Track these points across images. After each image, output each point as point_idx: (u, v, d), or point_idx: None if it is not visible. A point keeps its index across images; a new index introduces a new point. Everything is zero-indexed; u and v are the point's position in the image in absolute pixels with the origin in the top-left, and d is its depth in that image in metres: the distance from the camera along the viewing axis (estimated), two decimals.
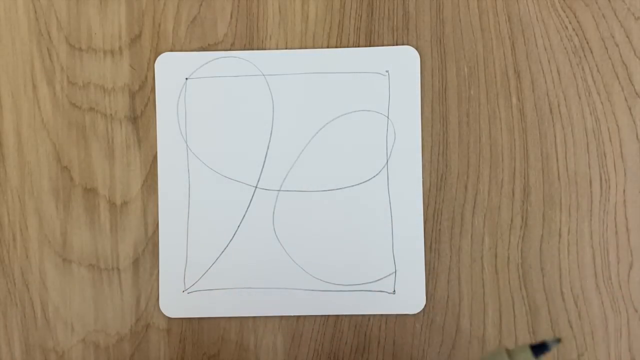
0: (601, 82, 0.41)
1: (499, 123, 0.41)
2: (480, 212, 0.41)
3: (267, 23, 0.42)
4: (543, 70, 0.41)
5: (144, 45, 0.42)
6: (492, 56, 0.41)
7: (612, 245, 0.41)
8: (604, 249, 0.41)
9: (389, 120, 0.41)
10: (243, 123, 0.41)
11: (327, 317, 0.41)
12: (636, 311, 0.41)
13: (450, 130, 0.41)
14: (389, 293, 0.41)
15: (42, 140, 0.42)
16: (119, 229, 0.41)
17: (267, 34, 0.42)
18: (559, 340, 0.29)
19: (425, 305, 0.41)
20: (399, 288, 0.41)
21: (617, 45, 0.41)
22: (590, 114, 0.41)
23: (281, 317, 0.41)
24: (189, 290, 0.41)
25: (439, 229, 0.41)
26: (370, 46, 0.41)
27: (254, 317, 0.41)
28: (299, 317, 0.41)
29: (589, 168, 0.41)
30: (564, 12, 0.41)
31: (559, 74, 0.41)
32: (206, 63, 0.41)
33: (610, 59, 0.41)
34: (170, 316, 0.41)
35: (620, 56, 0.41)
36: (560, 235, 0.41)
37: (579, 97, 0.41)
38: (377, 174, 0.41)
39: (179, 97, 0.41)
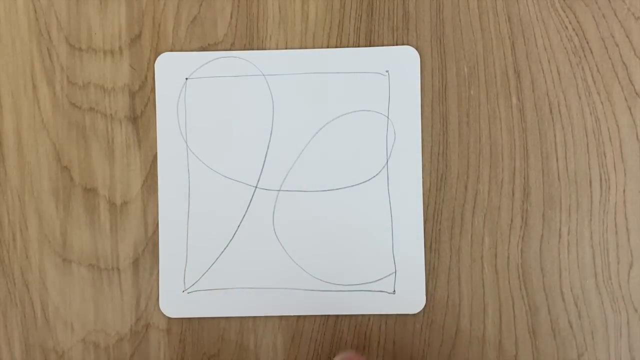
0: (601, 82, 0.41)
1: (499, 123, 0.41)
2: (480, 212, 0.41)
3: (267, 23, 0.42)
4: (543, 70, 0.41)
5: (144, 45, 0.42)
6: (492, 56, 0.41)
7: (612, 245, 0.41)
8: (604, 249, 0.41)
9: (389, 120, 0.41)
10: (243, 123, 0.41)
11: (327, 317, 0.41)
12: (636, 311, 0.41)
13: (450, 130, 0.41)
14: (389, 293, 0.41)
15: (42, 140, 0.42)
16: (119, 229, 0.41)
17: (267, 34, 0.42)
18: None
19: (425, 305, 0.41)
20: (399, 288, 0.41)
21: (617, 45, 0.41)
22: (590, 114, 0.41)
23: (281, 317, 0.41)
24: (189, 290, 0.41)
25: (439, 229, 0.41)
26: (370, 46, 0.41)
27: (254, 317, 0.41)
28: (299, 317, 0.41)
29: (589, 168, 0.41)
30: (564, 12, 0.41)
31: (559, 74, 0.41)
32: (206, 63, 0.41)
33: (610, 59, 0.41)
34: (170, 316, 0.41)
35: (620, 56, 0.41)
36: (560, 235, 0.41)
37: (579, 97, 0.41)
38: (377, 174, 0.41)
39: (179, 97, 0.41)
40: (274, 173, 0.41)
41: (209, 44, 0.42)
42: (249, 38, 0.42)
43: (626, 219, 0.41)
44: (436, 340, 0.41)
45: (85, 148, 0.42)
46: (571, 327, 0.41)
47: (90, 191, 0.42)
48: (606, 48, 0.41)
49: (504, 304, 0.41)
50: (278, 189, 0.41)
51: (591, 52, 0.41)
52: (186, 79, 0.41)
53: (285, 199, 0.41)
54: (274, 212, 0.41)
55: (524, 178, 0.41)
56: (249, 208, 0.41)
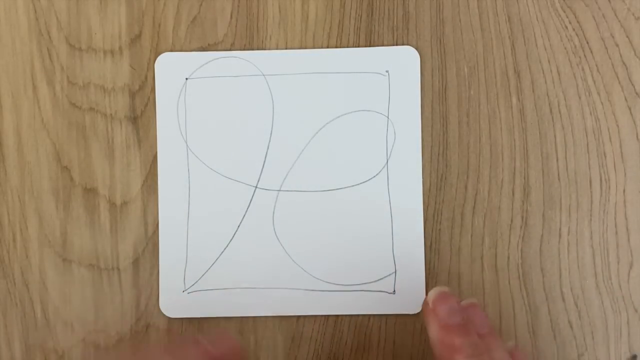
0: (601, 82, 0.41)
1: (499, 123, 0.41)
2: (480, 212, 0.41)
3: (267, 23, 0.42)
4: (543, 70, 0.41)
5: (144, 45, 0.42)
6: (492, 56, 0.41)
7: (612, 245, 0.41)
8: (604, 249, 0.41)
9: (389, 120, 0.41)
10: (243, 123, 0.41)
11: (327, 317, 0.41)
12: (636, 311, 0.41)
13: (450, 130, 0.41)
14: (389, 293, 0.41)
15: (42, 140, 0.42)
16: (119, 229, 0.41)
17: (267, 34, 0.42)
18: (634, 357, 0.32)
19: None
20: (399, 288, 0.41)
21: (617, 45, 0.41)
22: (590, 114, 0.41)
23: (281, 317, 0.41)
24: (189, 290, 0.41)
25: (439, 229, 0.41)
26: (370, 46, 0.41)
27: (254, 317, 0.41)
28: (299, 317, 0.41)
29: (589, 168, 0.41)
30: (564, 12, 0.41)
31: (559, 74, 0.41)
32: (206, 63, 0.41)
33: (610, 59, 0.41)
34: (170, 316, 0.41)
35: (620, 56, 0.41)
36: (560, 235, 0.41)
37: (579, 97, 0.41)
38: (377, 174, 0.41)
39: (179, 97, 0.41)
40: (274, 173, 0.41)
41: (209, 44, 0.42)
42: (249, 38, 0.42)
43: (626, 219, 0.41)
44: None
45: (85, 148, 0.42)
46: (571, 327, 0.41)
47: (90, 191, 0.42)
48: (606, 48, 0.41)
49: (504, 304, 0.41)
50: (278, 189, 0.41)
51: (591, 52, 0.41)
52: (186, 79, 0.41)
53: (285, 199, 0.41)
54: (274, 212, 0.41)
55: (524, 178, 0.41)
56: (249, 208, 0.41)
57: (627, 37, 0.41)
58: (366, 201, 0.41)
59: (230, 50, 0.41)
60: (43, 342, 0.42)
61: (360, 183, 0.41)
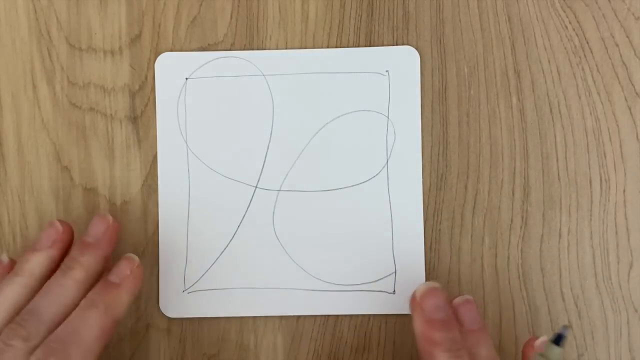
0: (601, 82, 0.41)
1: (499, 123, 0.41)
2: (480, 212, 0.41)
3: (267, 23, 0.42)
4: (543, 70, 0.41)
5: (144, 45, 0.42)
6: (492, 56, 0.41)
7: (612, 245, 0.41)
8: (604, 249, 0.41)
9: (389, 120, 0.41)
10: (243, 123, 0.41)
11: (327, 317, 0.41)
12: (636, 311, 0.41)
13: (450, 130, 0.41)
14: (389, 293, 0.41)
15: (42, 140, 0.42)
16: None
17: (267, 34, 0.42)
18: (565, 326, 0.33)
19: None
20: (399, 288, 0.41)
21: (617, 45, 0.41)
22: (590, 114, 0.41)
23: (281, 317, 0.41)
24: (189, 290, 0.41)
25: (439, 229, 0.41)
26: (370, 46, 0.41)
27: (254, 317, 0.41)
28: (299, 317, 0.41)
29: (589, 168, 0.41)
30: (564, 12, 0.41)
31: (559, 74, 0.41)
32: (206, 63, 0.41)
33: (610, 59, 0.41)
34: (170, 316, 0.41)
35: (620, 56, 0.41)
36: (560, 235, 0.41)
37: (579, 97, 0.41)
38: (377, 174, 0.41)
39: (179, 97, 0.41)
40: (274, 173, 0.41)
41: (209, 44, 0.42)
42: (249, 38, 0.42)
43: (626, 219, 0.41)
44: None
45: (85, 148, 0.42)
46: (571, 327, 0.41)
47: (90, 191, 0.42)
48: (606, 48, 0.41)
49: (504, 304, 0.41)
50: (278, 189, 0.41)
51: (591, 52, 0.41)
52: (186, 79, 0.41)
53: (285, 199, 0.41)
54: (274, 212, 0.41)
55: (524, 178, 0.41)
56: (249, 208, 0.41)
57: (627, 37, 0.41)
58: (366, 201, 0.41)
59: (230, 50, 0.41)
60: None
61: (360, 183, 0.41)
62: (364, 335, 0.41)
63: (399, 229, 0.41)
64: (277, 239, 0.41)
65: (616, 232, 0.41)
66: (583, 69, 0.41)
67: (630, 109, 0.41)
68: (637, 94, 0.41)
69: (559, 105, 0.41)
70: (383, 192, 0.41)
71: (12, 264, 0.38)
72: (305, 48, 0.41)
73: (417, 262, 0.41)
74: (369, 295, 0.41)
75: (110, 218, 0.38)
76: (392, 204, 0.41)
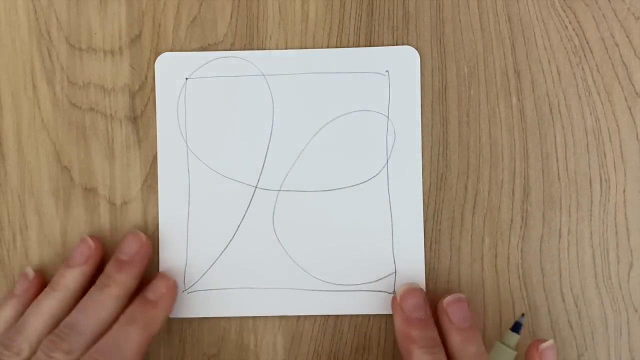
0: (601, 82, 0.41)
1: (499, 123, 0.41)
2: (480, 212, 0.41)
3: (267, 23, 0.42)
4: (543, 70, 0.41)
5: (144, 45, 0.42)
6: (492, 56, 0.41)
7: (612, 245, 0.41)
8: (604, 249, 0.41)
9: (389, 120, 0.41)
10: (243, 123, 0.41)
11: (327, 317, 0.41)
12: (636, 311, 0.41)
13: (450, 130, 0.41)
14: (389, 293, 0.41)
15: (42, 140, 0.42)
16: (119, 229, 0.41)
17: (267, 34, 0.42)
18: (522, 315, 0.36)
19: None
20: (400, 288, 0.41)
21: (617, 45, 0.41)
22: (590, 114, 0.41)
23: (281, 317, 0.41)
24: (189, 290, 0.41)
25: (439, 229, 0.41)
26: (370, 46, 0.41)
27: (254, 317, 0.41)
28: (299, 317, 0.41)
29: (589, 168, 0.41)
30: (564, 12, 0.41)
31: (559, 74, 0.41)
32: (206, 63, 0.41)
33: (610, 59, 0.41)
34: (170, 316, 0.41)
35: (620, 56, 0.41)
36: (560, 235, 0.41)
37: (579, 97, 0.41)
38: (377, 174, 0.41)
39: (179, 97, 0.41)
40: (274, 173, 0.41)
41: (209, 44, 0.42)
42: (249, 38, 0.42)
43: (626, 219, 0.41)
44: None
45: (85, 148, 0.42)
46: (571, 327, 0.41)
47: (90, 191, 0.42)
48: (606, 48, 0.41)
49: (504, 304, 0.41)
50: (278, 189, 0.41)
51: (591, 52, 0.41)
52: (186, 79, 0.41)
53: (285, 199, 0.41)
54: (274, 212, 0.41)
55: (524, 178, 0.41)
56: (249, 208, 0.41)
57: (627, 37, 0.41)
58: (366, 201, 0.41)
59: (230, 50, 0.41)
60: None
61: (360, 183, 0.41)
62: (364, 335, 0.41)
63: (399, 229, 0.41)
64: (277, 239, 0.41)
65: (616, 232, 0.41)
66: (583, 69, 0.41)
67: (630, 109, 0.41)
68: (637, 94, 0.41)
69: (559, 105, 0.41)
70: (383, 192, 0.41)
71: (38, 278, 0.40)
72: (305, 48, 0.41)
73: (417, 262, 0.41)
74: (369, 295, 0.41)
75: (144, 236, 0.40)
76: (392, 204, 0.41)
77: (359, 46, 0.41)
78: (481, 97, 0.41)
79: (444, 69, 0.41)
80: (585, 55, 0.41)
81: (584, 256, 0.41)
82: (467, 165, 0.41)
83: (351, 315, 0.41)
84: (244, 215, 0.41)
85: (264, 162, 0.41)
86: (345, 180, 0.41)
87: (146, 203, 0.41)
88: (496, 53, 0.41)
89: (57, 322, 0.38)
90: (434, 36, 0.41)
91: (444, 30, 0.41)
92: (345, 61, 0.41)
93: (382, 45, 0.41)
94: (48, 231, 0.42)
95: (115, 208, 0.42)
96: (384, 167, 0.41)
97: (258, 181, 0.41)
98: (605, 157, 0.41)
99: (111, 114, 0.42)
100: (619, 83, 0.41)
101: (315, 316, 0.41)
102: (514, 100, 0.41)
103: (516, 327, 0.36)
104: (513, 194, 0.41)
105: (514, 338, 0.36)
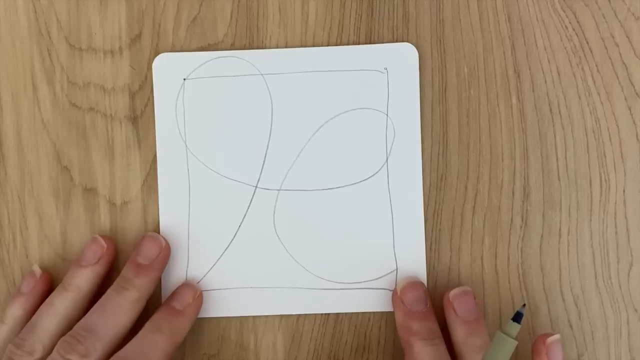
0: (601, 82, 0.41)
1: (499, 123, 0.41)
2: (480, 212, 0.41)
3: (267, 23, 0.42)
4: (543, 70, 0.41)
5: (144, 45, 0.42)
6: (492, 56, 0.41)
7: (612, 245, 0.41)
8: (604, 249, 0.41)
9: (388, 118, 0.41)
10: (242, 123, 0.41)
11: (327, 317, 0.41)
12: (636, 311, 0.41)
13: (450, 130, 0.41)
14: (390, 291, 0.41)
15: (42, 140, 0.42)
16: (119, 229, 0.41)
17: (267, 34, 0.42)
18: (524, 305, 0.36)
19: None
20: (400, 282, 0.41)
21: (617, 45, 0.41)
22: (590, 114, 0.41)
23: (281, 316, 0.41)
24: None
25: (439, 229, 0.41)
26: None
27: (254, 317, 0.41)
28: (299, 316, 0.41)
29: (589, 168, 0.41)
30: (564, 12, 0.41)
31: (559, 74, 0.41)
32: (204, 63, 0.41)
33: (610, 59, 0.41)
34: None
35: (620, 56, 0.41)
36: (560, 235, 0.41)
37: (579, 97, 0.41)
38: (377, 172, 0.41)
39: (177, 98, 0.41)
40: (274, 172, 0.41)
41: (209, 44, 0.42)
42: (249, 38, 0.42)
43: (626, 219, 0.41)
44: None
45: (85, 148, 0.42)
46: (571, 327, 0.41)
47: (90, 191, 0.42)
48: (606, 48, 0.41)
49: (504, 304, 0.41)
50: (278, 188, 0.41)
51: (591, 52, 0.41)
52: (184, 79, 0.41)
53: (285, 198, 0.41)
54: (274, 212, 0.41)
55: (524, 178, 0.41)
56: (250, 208, 0.41)
57: (627, 37, 0.41)
58: (366, 199, 0.41)
59: (230, 50, 0.41)
60: None
61: (361, 181, 0.41)
62: (364, 335, 0.41)
63: (400, 226, 0.41)
64: (278, 238, 0.41)
65: (616, 232, 0.41)
66: (583, 69, 0.41)
67: (630, 109, 0.41)
68: (637, 94, 0.41)
69: (559, 105, 0.41)
70: (383, 190, 0.41)
71: (45, 277, 0.40)
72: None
73: (418, 258, 0.41)
74: (370, 293, 0.41)
75: (163, 240, 0.40)
76: (392, 201, 0.41)
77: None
78: (481, 97, 0.41)
79: (443, 68, 0.41)
80: (585, 55, 0.41)
81: (584, 256, 0.41)
82: (467, 165, 0.41)
83: (351, 315, 0.41)
84: (245, 215, 0.41)
85: (264, 161, 0.41)
86: (346, 178, 0.41)
87: (146, 203, 0.41)
88: (496, 53, 0.41)
89: (69, 323, 0.37)
90: (434, 36, 0.41)
91: (444, 30, 0.41)
92: (344, 59, 0.41)
93: None
94: (48, 231, 0.42)
95: (115, 208, 0.42)
96: (384, 164, 0.41)
97: (258, 181, 0.41)
98: (605, 157, 0.41)
99: (111, 114, 0.42)
100: (619, 83, 0.41)
101: (315, 316, 0.41)
102: (514, 100, 0.41)
103: (517, 317, 0.36)
104: (513, 194, 0.41)
105: (515, 328, 0.36)
